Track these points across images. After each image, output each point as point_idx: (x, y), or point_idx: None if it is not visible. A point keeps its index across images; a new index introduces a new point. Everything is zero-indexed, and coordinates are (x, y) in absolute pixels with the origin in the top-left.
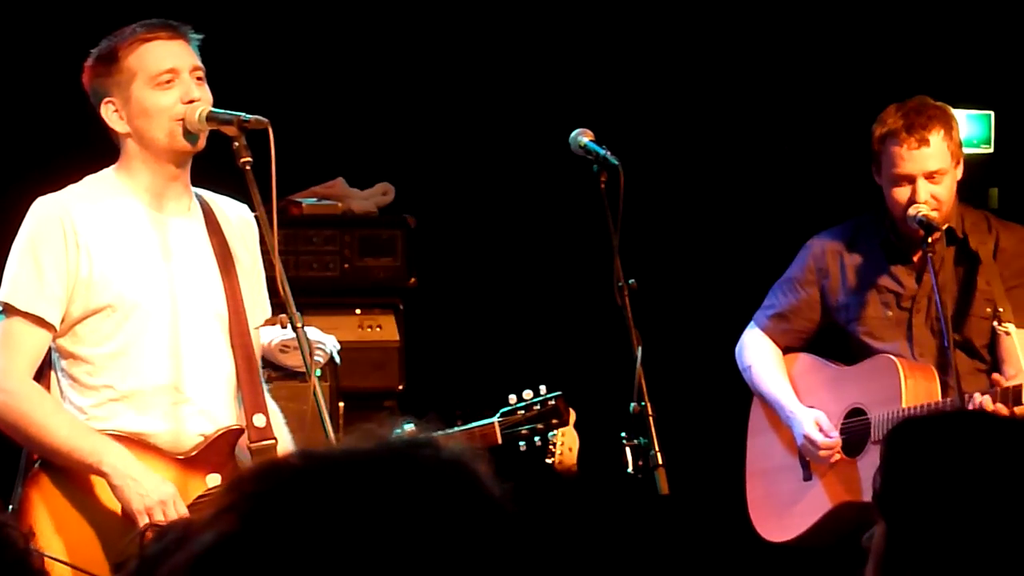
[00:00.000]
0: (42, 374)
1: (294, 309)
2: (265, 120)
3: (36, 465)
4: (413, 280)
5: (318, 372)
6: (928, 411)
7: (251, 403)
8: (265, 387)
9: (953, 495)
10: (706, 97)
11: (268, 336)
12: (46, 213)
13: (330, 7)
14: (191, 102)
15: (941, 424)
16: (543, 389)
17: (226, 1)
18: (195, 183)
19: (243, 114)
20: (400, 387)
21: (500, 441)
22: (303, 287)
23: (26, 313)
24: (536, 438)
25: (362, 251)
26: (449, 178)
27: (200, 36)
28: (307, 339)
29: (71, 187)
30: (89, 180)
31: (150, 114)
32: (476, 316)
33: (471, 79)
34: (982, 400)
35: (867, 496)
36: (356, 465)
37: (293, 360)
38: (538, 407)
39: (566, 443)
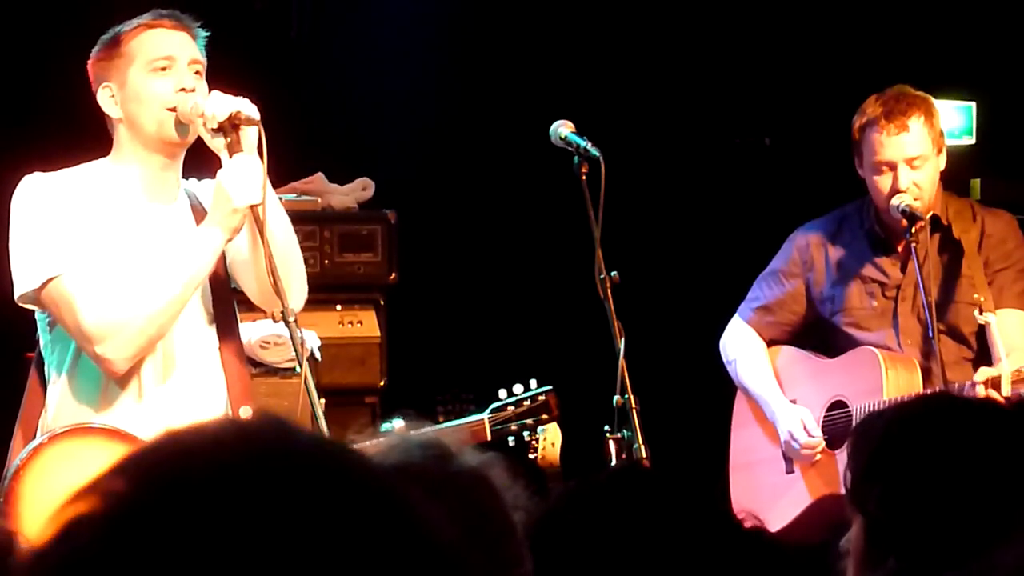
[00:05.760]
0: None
1: (287, 302)
2: (256, 118)
3: (18, 461)
4: (394, 275)
5: (297, 368)
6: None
7: (238, 394)
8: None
9: (924, 479)
10: (687, 88)
11: (248, 333)
12: (40, 180)
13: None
14: (183, 91)
15: (902, 413)
16: (533, 383)
17: None
18: (186, 169)
19: (242, 109)
20: (382, 383)
21: (490, 438)
22: None
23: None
24: (525, 433)
25: (342, 247)
26: (429, 172)
27: (207, 34)
28: (299, 332)
29: (63, 170)
30: (81, 166)
31: (142, 99)
32: (458, 311)
33: (451, 72)
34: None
35: None
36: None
37: (274, 356)
38: (528, 403)
39: (549, 438)
